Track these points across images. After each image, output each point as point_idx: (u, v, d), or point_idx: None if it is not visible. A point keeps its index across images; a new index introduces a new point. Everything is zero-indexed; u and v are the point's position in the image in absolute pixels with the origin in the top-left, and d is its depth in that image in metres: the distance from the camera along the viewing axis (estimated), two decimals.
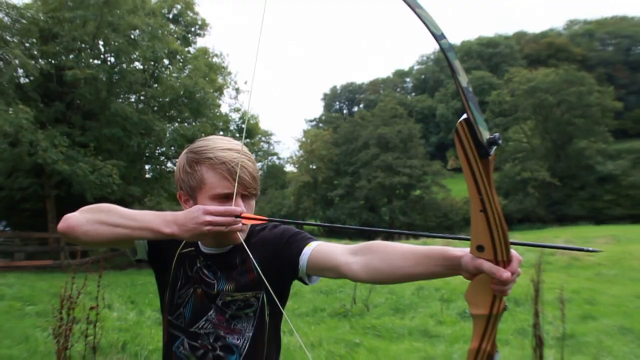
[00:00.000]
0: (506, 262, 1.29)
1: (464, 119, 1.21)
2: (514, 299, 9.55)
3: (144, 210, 1.67)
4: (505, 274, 1.26)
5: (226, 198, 1.67)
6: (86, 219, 1.64)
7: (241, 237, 1.73)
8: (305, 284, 1.77)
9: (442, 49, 1.21)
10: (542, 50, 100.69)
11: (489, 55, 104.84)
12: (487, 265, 1.28)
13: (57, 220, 1.77)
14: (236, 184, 1.67)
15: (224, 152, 1.69)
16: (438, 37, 1.21)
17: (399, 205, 64.36)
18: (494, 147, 1.21)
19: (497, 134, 1.21)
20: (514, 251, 1.31)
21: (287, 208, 71.23)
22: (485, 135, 1.21)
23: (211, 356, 1.76)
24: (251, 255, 1.69)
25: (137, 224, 1.60)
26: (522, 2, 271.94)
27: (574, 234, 34.45)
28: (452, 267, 1.41)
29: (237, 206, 1.66)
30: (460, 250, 1.40)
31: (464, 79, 1.21)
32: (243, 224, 1.63)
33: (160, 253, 1.84)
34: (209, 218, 1.54)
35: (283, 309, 1.85)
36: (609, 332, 7.46)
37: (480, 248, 1.30)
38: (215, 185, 1.67)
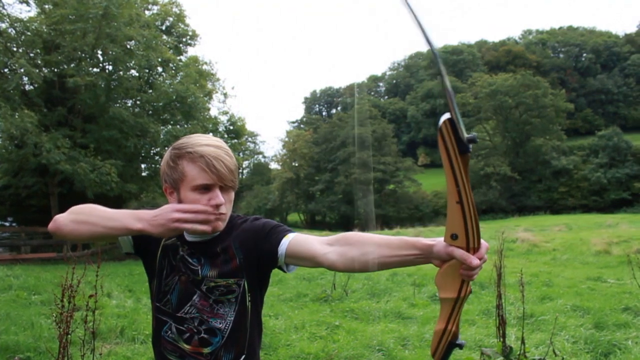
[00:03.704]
0: (476, 249, 1.31)
1: (448, 118, 1.21)
2: (479, 282, 9.59)
3: (122, 210, 1.67)
4: (475, 261, 1.29)
5: (206, 189, 1.66)
6: (70, 219, 1.67)
7: (221, 227, 1.72)
8: (284, 272, 1.77)
9: (434, 53, 1.19)
10: (501, 57, 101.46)
11: (454, 61, 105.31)
12: (459, 252, 1.31)
13: None
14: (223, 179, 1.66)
15: (202, 147, 1.67)
16: (432, 43, 1.19)
17: (375, 199, 64.47)
18: (472, 145, 1.23)
19: (474, 134, 1.22)
20: (482, 240, 1.33)
21: (272, 202, 71.16)
22: (465, 133, 1.22)
23: (197, 339, 1.76)
24: (229, 243, 1.69)
25: (112, 223, 1.60)
26: (483, 13, 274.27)
27: (532, 223, 34.84)
28: (423, 255, 1.42)
29: (216, 198, 1.66)
30: (432, 239, 1.41)
31: (448, 82, 1.20)
32: (213, 224, 1.61)
33: (147, 245, 1.84)
34: (177, 215, 1.54)
35: (263, 295, 1.86)
36: (563, 311, 7.50)
37: (454, 236, 1.31)
38: (195, 177, 1.66)
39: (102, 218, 1.63)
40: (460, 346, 1.41)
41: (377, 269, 1.54)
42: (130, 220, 1.58)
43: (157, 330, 1.85)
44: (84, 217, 1.65)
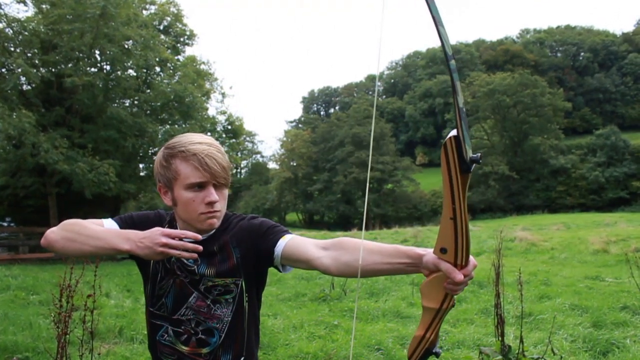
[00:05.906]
0: (463, 266, 1.33)
1: (454, 136, 1.21)
2: (477, 282, 9.58)
3: (110, 229, 1.70)
4: (459, 276, 1.31)
5: (199, 187, 1.68)
6: (60, 236, 1.68)
7: (216, 224, 1.74)
8: (280, 271, 1.77)
9: (449, 69, 1.18)
10: (499, 57, 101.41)
11: None
12: (445, 265, 1.33)
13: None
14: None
15: (194, 145, 1.68)
16: (449, 57, 1.18)
17: (373, 198, 64.40)
18: (474, 165, 1.23)
19: (479, 154, 1.23)
20: (472, 257, 1.35)
21: (270, 202, 71.16)
22: (469, 153, 1.22)
23: (194, 340, 1.76)
24: (229, 243, 1.71)
25: (100, 243, 1.62)
26: (480, 13, 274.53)
27: (530, 222, 34.80)
28: (414, 264, 1.44)
29: (210, 195, 1.67)
30: (423, 249, 1.43)
31: (461, 100, 1.20)
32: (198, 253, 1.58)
33: None
34: (164, 240, 1.52)
35: (261, 294, 1.87)
36: (562, 310, 7.50)
37: (443, 250, 1.33)
38: (188, 176, 1.67)
39: (89, 237, 1.64)
40: (437, 354, 1.44)
41: (368, 276, 1.56)
42: (118, 240, 1.59)
43: (152, 335, 1.85)
44: (72, 235, 1.67)
